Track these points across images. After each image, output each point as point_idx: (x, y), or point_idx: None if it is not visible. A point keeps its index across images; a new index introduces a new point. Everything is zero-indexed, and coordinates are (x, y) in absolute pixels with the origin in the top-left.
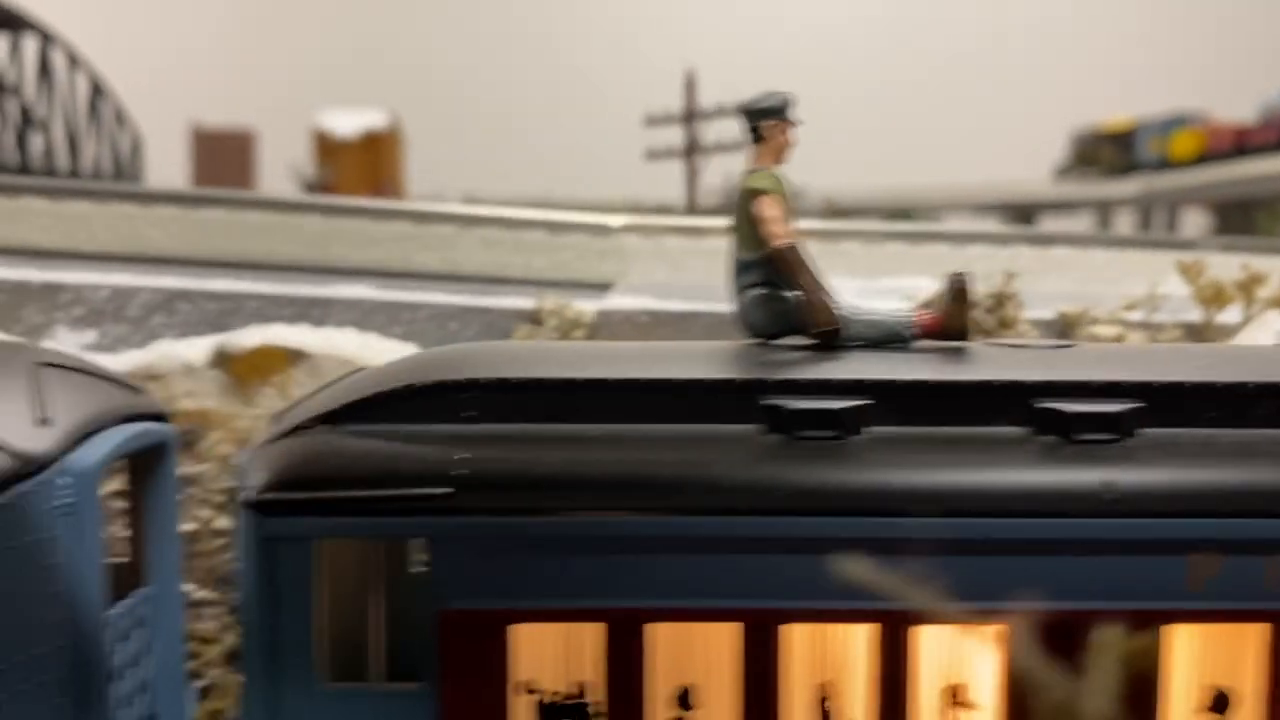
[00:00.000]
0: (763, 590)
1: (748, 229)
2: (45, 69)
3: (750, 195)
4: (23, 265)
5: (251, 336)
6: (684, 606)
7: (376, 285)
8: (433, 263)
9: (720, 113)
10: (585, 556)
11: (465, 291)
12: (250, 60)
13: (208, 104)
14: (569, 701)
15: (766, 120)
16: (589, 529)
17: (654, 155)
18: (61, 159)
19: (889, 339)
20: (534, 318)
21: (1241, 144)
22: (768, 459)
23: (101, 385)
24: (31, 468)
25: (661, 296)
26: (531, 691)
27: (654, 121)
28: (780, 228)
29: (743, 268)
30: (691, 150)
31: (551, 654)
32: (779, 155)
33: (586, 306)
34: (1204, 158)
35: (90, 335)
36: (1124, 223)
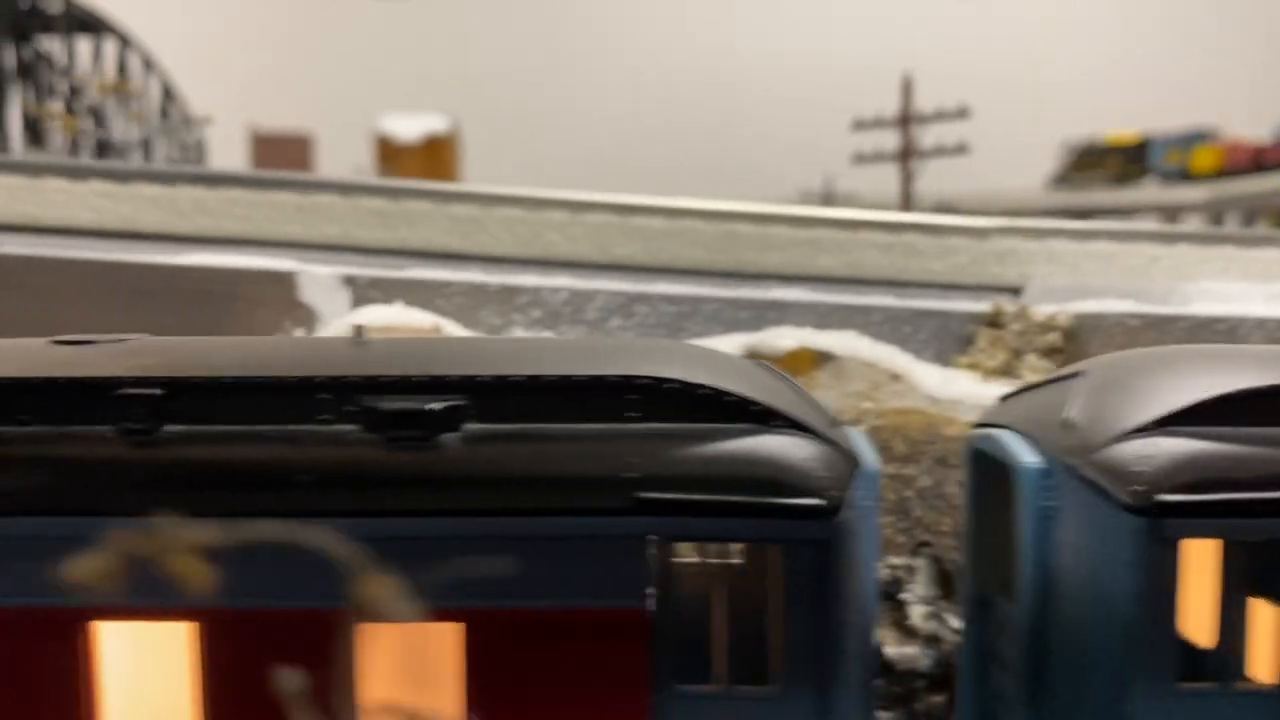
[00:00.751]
0: None
1: None
2: (123, 73)
3: None
4: (480, 269)
5: (785, 338)
6: None
7: (823, 289)
8: (836, 266)
9: (941, 116)
10: None
11: (915, 295)
12: (307, 65)
13: (265, 107)
14: None
15: None
16: None
17: (862, 159)
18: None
19: None
20: (992, 321)
21: (1259, 161)
22: None
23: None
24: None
25: (1141, 300)
26: None
27: (862, 125)
28: None
29: None
30: (907, 154)
31: None
32: None
33: (1051, 309)
34: (1223, 172)
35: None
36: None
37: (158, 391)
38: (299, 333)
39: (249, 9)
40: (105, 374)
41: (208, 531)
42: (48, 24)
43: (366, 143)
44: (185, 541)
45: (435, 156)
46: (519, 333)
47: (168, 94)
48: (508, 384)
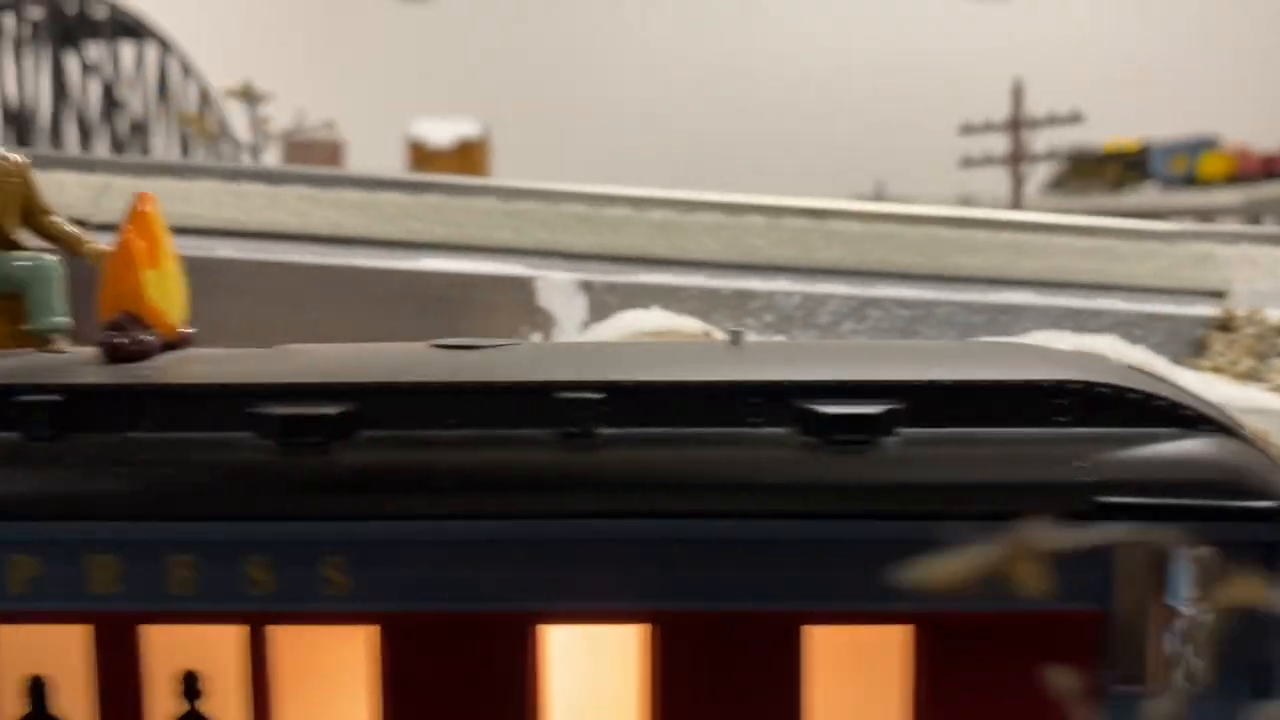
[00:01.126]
0: None
1: None
2: (164, 79)
3: None
4: (704, 274)
5: (1058, 343)
6: None
7: (1056, 294)
8: (1041, 270)
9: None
10: None
11: (1147, 299)
12: (335, 71)
13: (295, 112)
14: None
15: None
16: None
17: (970, 163)
18: None
19: None
20: (1223, 325)
21: (1269, 169)
22: None
23: None
24: None
25: None
26: None
27: (970, 130)
28: None
29: None
30: (1018, 158)
31: None
32: None
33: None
34: (1233, 179)
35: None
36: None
37: (599, 395)
38: (536, 337)
39: (276, 15)
40: (541, 378)
41: (1061, 535)
42: (94, 30)
43: (397, 147)
44: (1041, 546)
45: (468, 161)
46: (751, 337)
47: (205, 99)
48: (939, 388)
